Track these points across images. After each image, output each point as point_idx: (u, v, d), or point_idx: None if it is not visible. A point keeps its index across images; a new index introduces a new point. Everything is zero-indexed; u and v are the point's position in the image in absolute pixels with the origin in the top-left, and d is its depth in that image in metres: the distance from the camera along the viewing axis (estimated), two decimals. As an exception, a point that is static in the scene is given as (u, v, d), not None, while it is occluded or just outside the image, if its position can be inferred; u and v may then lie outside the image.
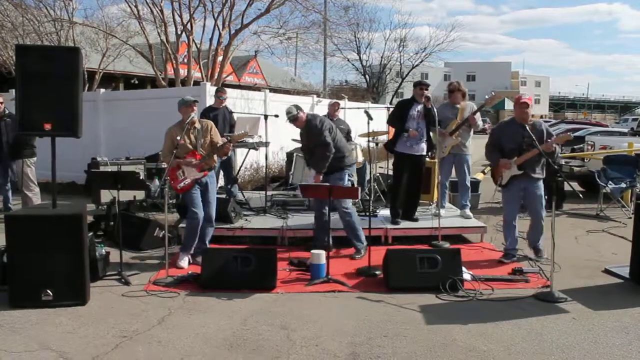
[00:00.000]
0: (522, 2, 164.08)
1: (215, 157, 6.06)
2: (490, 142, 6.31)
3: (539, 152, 5.87)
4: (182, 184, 5.90)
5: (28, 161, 8.43)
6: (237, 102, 11.03)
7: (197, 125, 6.00)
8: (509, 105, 65.79)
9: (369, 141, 8.25)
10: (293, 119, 6.33)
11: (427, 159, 7.79)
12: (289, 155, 9.87)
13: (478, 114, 7.72)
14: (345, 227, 6.44)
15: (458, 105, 7.77)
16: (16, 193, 8.92)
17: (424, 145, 7.29)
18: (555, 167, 5.49)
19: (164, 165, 5.90)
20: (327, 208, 6.23)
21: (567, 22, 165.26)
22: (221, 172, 9.07)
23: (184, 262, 6.02)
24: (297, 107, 6.36)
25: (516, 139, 6.02)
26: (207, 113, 8.65)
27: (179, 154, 5.79)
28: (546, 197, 9.07)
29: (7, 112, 8.40)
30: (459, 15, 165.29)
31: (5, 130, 8.38)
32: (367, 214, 6.69)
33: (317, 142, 6.30)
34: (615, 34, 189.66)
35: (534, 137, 5.85)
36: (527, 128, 5.92)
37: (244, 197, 8.55)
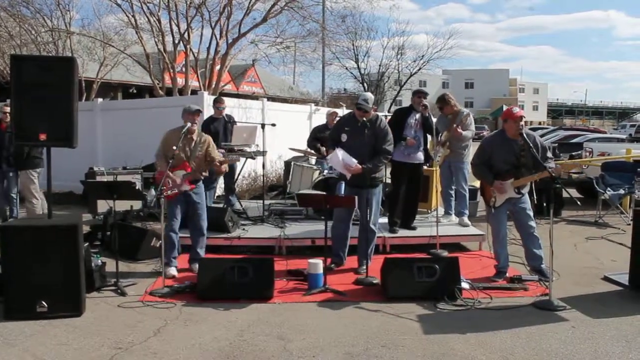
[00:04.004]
0: (518, 10, 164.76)
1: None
2: (479, 161, 5.80)
3: (543, 175, 5.50)
4: (169, 192, 5.87)
5: (30, 172, 8.34)
6: (234, 110, 11.00)
7: (195, 136, 6.00)
8: (507, 112, 65.96)
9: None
10: (367, 109, 5.91)
11: (425, 167, 7.77)
12: (287, 164, 9.86)
13: (468, 123, 7.72)
14: (363, 243, 6.10)
15: (450, 116, 7.80)
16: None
17: (421, 154, 7.27)
18: (553, 174, 5.40)
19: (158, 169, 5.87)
20: (350, 220, 6.19)
21: (563, 29, 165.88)
22: (222, 180, 9.05)
23: (172, 270, 5.97)
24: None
25: (510, 159, 5.63)
26: (208, 124, 8.63)
27: (172, 164, 5.78)
28: (544, 203, 9.12)
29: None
30: (456, 23, 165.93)
31: (8, 141, 8.30)
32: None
33: (381, 145, 6.01)
34: (611, 41, 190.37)
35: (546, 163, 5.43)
36: (521, 144, 5.54)
37: (242, 206, 8.52)
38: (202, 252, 6.16)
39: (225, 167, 6.47)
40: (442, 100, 7.87)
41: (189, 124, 5.88)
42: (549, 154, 5.73)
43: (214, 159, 6.10)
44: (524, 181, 5.66)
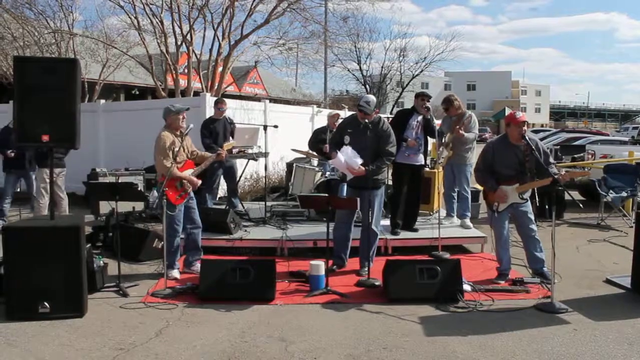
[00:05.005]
0: (520, 12, 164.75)
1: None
2: (483, 167, 5.81)
3: (548, 182, 5.44)
4: (180, 195, 5.87)
5: (46, 171, 8.31)
6: (236, 112, 11.02)
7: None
8: (509, 114, 65.87)
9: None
10: (368, 111, 5.93)
11: (427, 169, 7.76)
12: (289, 165, 9.85)
13: (471, 125, 7.73)
14: (365, 245, 6.10)
15: (454, 118, 7.80)
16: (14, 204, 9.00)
17: (422, 156, 7.26)
18: (555, 176, 5.39)
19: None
20: (352, 222, 6.18)
21: (565, 31, 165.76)
22: (222, 182, 9.05)
23: (175, 273, 5.98)
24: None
25: (513, 164, 5.64)
26: (208, 124, 8.64)
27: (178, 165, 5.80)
28: (546, 206, 9.10)
29: None
30: (458, 25, 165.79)
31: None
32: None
33: (384, 147, 6.02)
34: (613, 43, 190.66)
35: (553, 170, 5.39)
36: (524, 149, 5.54)
37: (244, 207, 8.52)
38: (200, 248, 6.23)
39: (224, 154, 6.51)
40: (448, 101, 7.87)
41: (192, 125, 5.89)
42: (551, 159, 5.73)
43: (196, 152, 6.21)
44: (528, 187, 5.68)
